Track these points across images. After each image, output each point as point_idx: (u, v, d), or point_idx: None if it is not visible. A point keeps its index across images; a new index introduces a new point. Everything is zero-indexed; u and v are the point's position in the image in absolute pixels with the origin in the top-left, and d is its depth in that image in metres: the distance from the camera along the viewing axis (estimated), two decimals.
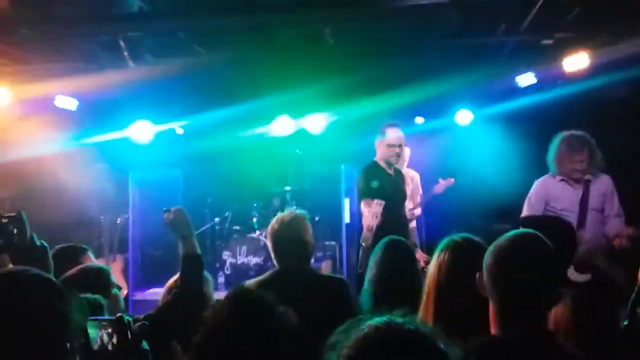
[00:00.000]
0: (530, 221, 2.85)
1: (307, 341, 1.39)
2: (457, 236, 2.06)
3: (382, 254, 2.84)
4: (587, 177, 4.09)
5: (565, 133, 4.17)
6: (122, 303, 2.52)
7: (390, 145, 4.51)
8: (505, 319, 1.61)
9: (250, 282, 2.98)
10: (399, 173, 4.74)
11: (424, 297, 2.03)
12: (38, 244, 1.72)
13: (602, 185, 4.11)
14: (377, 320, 1.08)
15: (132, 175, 6.88)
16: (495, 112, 6.54)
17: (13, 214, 1.71)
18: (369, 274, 2.85)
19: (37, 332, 1.20)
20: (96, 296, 2.01)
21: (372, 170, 4.58)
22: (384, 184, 4.47)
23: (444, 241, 2.06)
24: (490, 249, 1.67)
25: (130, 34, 4.91)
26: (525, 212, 4.23)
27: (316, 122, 6.87)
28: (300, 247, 2.93)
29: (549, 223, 2.75)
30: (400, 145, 4.55)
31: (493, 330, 1.64)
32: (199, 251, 2.59)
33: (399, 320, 1.08)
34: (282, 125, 6.92)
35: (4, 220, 1.70)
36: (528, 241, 1.67)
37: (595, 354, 1.80)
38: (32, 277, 1.31)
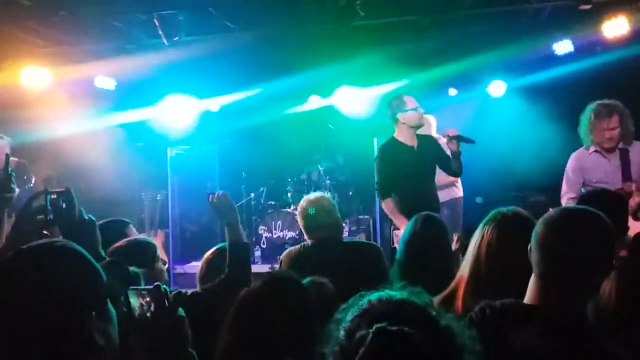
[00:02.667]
0: (584, 198, 2.83)
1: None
2: (505, 209, 2.04)
3: (412, 227, 2.86)
4: (621, 145, 3.96)
5: (594, 103, 4.05)
6: (167, 276, 2.57)
7: (414, 109, 4.31)
8: (549, 289, 1.60)
9: (290, 249, 3.12)
10: (425, 142, 4.41)
11: (463, 268, 2.04)
12: (86, 218, 1.80)
13: (637, 152, 3.99)
14: (374, 295, 1.13)
15: (170, 152, 7.04)
16: (531, 82, 6.39)
17: (62, 189, 1.80)
18: (399, 247, 2.89)
19: (59, 299, 1.23)
20: (132, 268, 2.08)
21: (389, 150, 4.34)
22: (405, 161, 4.25)
23: (492, 213, 2.05)
24: (543, 220, 1.65)
25: (165, 13, 4.97)
26: (564, 187, 4.17)
27: (348, 97, 6.86)
28: (332, 220, 3.09)
29: (600, 197, 2.71)
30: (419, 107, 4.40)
31: (531, 300, 1.63)
32: (244, 239, 2.55)
33: (392, 292, 1.12)
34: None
35: (53, 196, 1.78)
36: (584, 214, 1.65)
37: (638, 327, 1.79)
38: (58, 248, 1.33)
